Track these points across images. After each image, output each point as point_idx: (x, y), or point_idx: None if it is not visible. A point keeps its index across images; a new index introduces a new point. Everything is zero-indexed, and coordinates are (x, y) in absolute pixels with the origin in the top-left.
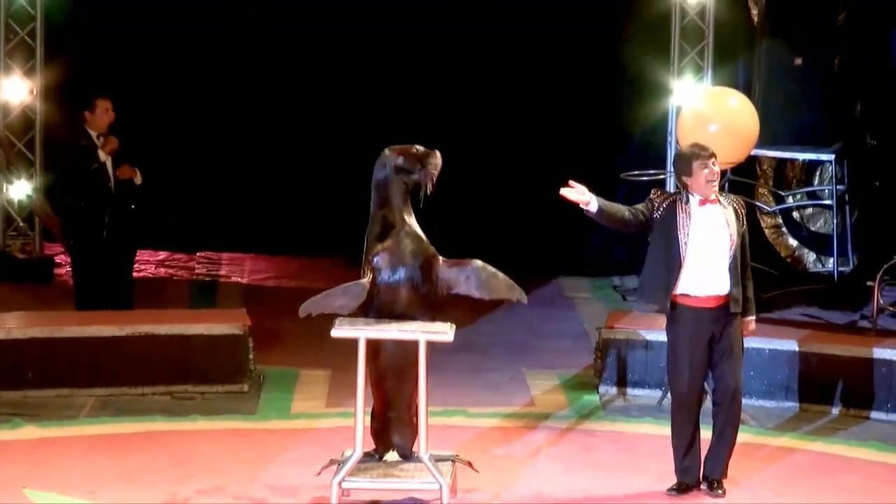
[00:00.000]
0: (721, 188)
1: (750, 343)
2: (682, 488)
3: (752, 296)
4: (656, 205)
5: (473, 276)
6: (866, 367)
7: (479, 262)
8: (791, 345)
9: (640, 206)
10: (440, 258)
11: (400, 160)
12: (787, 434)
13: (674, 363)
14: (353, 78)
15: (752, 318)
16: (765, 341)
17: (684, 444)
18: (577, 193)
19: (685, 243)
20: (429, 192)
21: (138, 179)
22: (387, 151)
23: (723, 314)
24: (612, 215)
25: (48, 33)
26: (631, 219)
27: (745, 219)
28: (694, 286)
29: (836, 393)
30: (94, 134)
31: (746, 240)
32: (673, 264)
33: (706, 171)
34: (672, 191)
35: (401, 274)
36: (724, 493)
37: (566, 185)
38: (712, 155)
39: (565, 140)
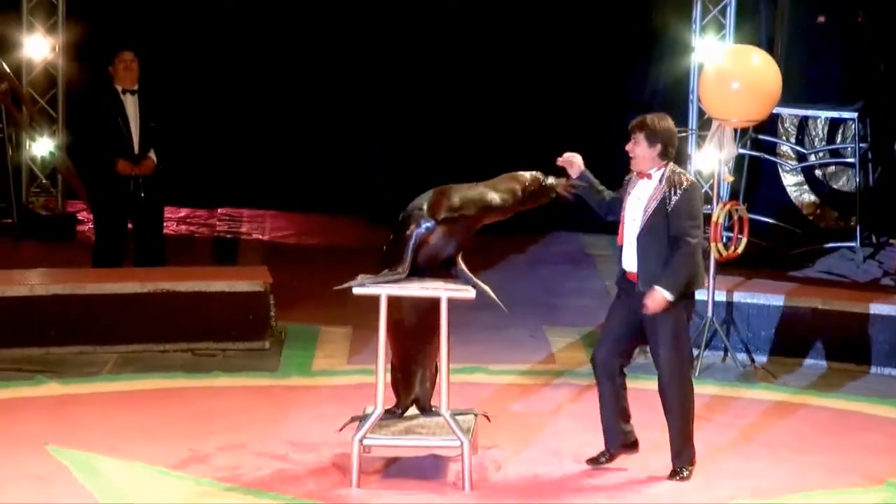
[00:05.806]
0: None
1: (773, 301)
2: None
3: (670, 271)
4: (625, 185)
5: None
6: (889, 325)
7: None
8: (813, 302)
9: (615, 194)
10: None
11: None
12: (808, 391)
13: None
14: (376, 33)
15: (658, 289)
16: (787, 299)
17: None
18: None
19: (623, 219)
20: None
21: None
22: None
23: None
24: (595, 190)
25: None
26: (608, 202)
27: (677, 189)
28: (627, 262)
29: (858, 350)
30: (119, 89)
31: (670, 212)
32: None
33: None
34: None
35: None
36: (685, 478)
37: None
38: None
39: (588, 98)
